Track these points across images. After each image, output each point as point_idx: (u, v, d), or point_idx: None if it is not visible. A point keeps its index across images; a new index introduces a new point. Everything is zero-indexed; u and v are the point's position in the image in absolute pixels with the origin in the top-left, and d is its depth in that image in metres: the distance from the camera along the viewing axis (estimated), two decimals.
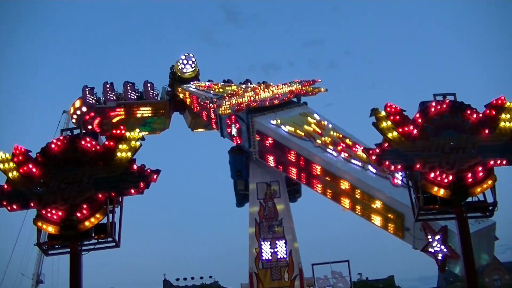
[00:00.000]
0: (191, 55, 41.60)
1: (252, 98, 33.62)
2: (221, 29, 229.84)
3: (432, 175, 21.55)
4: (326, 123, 31.53)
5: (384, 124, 22.21)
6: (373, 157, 22.13)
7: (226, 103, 33.24)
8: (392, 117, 22.24)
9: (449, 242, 23.70)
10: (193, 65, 41.10)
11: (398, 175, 26.58)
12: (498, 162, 21.72)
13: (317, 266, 33.87)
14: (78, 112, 40.39)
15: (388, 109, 22.48)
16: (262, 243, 32.01)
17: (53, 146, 22.61)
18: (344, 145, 29.45)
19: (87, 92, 40.66)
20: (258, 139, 32.29)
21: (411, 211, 23.42)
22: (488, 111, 22.35)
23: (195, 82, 40.35)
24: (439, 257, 23.73)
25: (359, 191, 27.58)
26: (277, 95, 33.56)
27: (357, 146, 29.31)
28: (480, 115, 22.41)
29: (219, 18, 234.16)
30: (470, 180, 21.46)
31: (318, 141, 29.66)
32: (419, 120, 22.35)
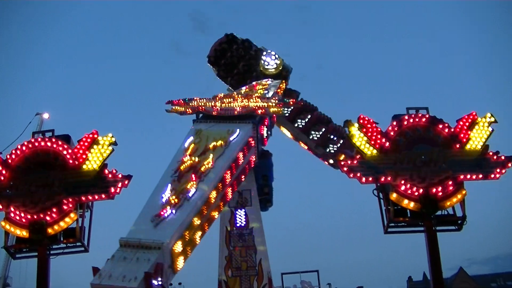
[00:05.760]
0: (273, 52, 41.27)
1: (213, 105, 33.40)
2: (189, 38, 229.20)
3: (402, 188, 21.69)
4: (222, 146, 30.20)
5: (357, 136, 22.33)
6: (345, 169, 22.20)
7: (193, 103, 33.29)
8: (364, 129, 22.37)
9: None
10: (272, 63, 40.74)
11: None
12: (468, 176, 21.96)
13: (286, 276, 33.84)
14: None
15: (361, 121, 22.61)
16: (233, 251, 31.94)
17: (24, 149, 22.47)
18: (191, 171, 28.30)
19: None
20: None
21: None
22: (460, 126, 22.58)
23: (266, 80, 40.23)
24: None
25: None
26: (238, 108, 33.01)
27: (196, 176, 28.00)
28: (452, 130, 22.62)
29: (187, 27, 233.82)
30: (440, 193, 21.66)
31: (187, 159, 29.15)
32: (392, 133, 22.52)
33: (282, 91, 37.50)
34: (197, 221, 25.24)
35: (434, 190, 21.61)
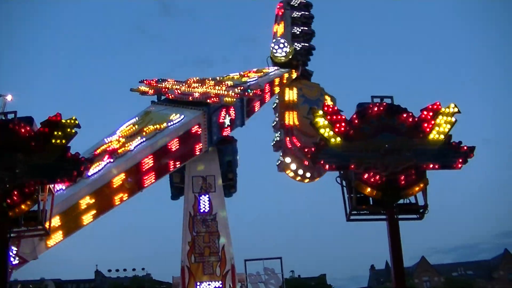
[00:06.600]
0: (282, 40, 41.29)
1: (177, 88, 33.44)
2: (154, 21, 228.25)
3: (366, 176, 21.80)
4: (156, 131, 30.02)
5: (321, 123, 22.34)
6: (309, 156, 22.26)
7: (162, 84, 33.48)
8: (329, 117, 22.38)
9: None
10: (280, 51, 40.73)
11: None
12: (431, 166, 22.12)
13: (249, 262, 34.03)
14: None
15: (326, 108, 22.64)
16: (196, 237, 31.92)
17: None
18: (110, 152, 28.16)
19: None
20: None
21: None
22: (424, 116, 22.71)
23: (272, 67, 40.22)
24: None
25: None
26: (196, 94, 32.96)
27: (109, 157, 27.79)
28: (416, 119, 22.76)
29: (153, 10, 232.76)
30: (402, 182, 21.80)
31: (114, 139, 29.07)
32: (356, 121, 22.57)
33: (285, 80, 37.56)
34: (89, 200, 25.22)
35: (397, 178, 21.76)
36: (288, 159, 38.06)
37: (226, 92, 32.38)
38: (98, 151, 28.11)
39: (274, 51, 40.64)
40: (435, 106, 22.84)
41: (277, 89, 38.94)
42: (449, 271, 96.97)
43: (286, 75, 39.48)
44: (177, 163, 30.65)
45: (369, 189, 21.90)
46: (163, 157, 29.14)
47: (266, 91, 37.56)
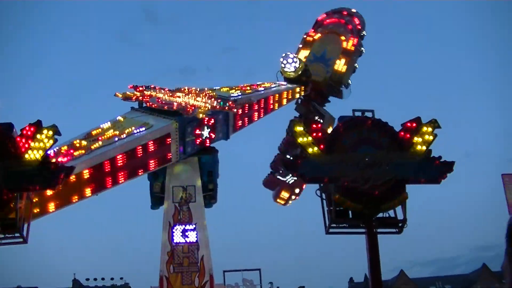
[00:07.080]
0: (291, 55, 40.83)
1: (159, 97, 33.48)
2: (139, 29, 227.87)
3: (345, 189, 21.83)
4: (117, 137, 30.15)
5: (301, 136, 22.36)
6: (289, 168, 22.31)
7: (148, 91, 33.49)
8: (309, 130, 22.40)
9: None
10: (289, 66, 40.41)
11: None
12: (411, 180, 22.20)
13: (228, 273, 33.99)
14: None
15: (307, 121, 22.70)
16: (175, 246, 31.78)
17: None
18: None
19: None
20: None
21: None
22: (404, 130, 22.81)
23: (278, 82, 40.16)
24: None
25: None
26: (175, 103, 32.94)
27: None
28: (397, 133, 22.84)
29: (137, 18, 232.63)
30: (382, 196, 21.84)
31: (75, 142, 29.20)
32: (337, 134, 22.62)
33: (292, 96, 37.50)
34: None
35: (376, 192, 21.80)
36: (297, 190, 38.02)
37: (204, 104, 32.36)
38: (62, 151, 27.91)
39: (283, 65, 40.40)
40: (416, 121, 22.95)
41: (284, 101, 39.05)
42: (428, 285, 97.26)
43: (297, 89, 39.47)
44: (139, 171, 30.49)
45: (348, 202, 21.95)
46: (122, 163, 28.88)
47: (271, 102, 37.62)
